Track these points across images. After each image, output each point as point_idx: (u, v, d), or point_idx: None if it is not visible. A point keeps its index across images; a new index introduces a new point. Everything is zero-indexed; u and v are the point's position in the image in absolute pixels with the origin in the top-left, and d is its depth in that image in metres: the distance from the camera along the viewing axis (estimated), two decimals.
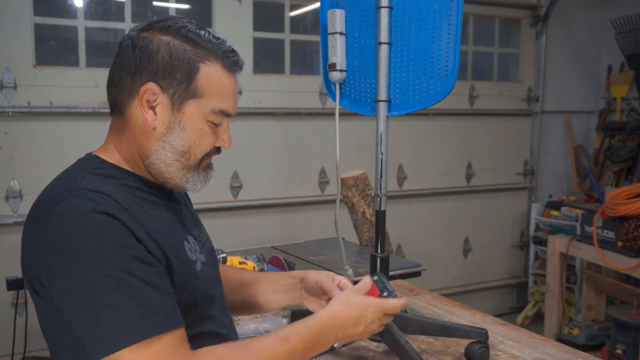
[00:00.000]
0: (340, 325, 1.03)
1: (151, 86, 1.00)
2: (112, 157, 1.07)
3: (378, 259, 1.44)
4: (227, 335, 1.14)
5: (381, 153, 1.43)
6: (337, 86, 1.53)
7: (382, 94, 1.43)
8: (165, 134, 1.02)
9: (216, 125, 1.06)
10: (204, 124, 1.04)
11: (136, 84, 1.01)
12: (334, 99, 1.55)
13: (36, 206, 1.00)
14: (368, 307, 1.06)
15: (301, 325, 1.02)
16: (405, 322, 1.43)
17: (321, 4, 1.56)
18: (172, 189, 1.11)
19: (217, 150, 1.10)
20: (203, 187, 1.10)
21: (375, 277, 1.10)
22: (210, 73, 1.02)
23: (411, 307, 1.79)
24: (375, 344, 1.49)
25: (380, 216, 1.45)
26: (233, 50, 1.07)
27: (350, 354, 1.46)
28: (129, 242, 0.92)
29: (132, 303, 0.88)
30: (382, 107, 1.43)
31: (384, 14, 1.41)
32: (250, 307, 1.30)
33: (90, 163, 1.04)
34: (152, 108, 1.02)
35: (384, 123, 1.43)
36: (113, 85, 1.05)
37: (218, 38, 1.06)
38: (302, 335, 0.99)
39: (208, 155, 1.08)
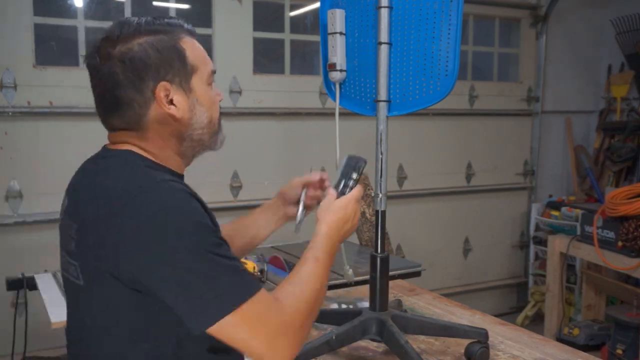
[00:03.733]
0: (337, 228, 1.19)
1: (162, 84, 1.04)
2: (144, 154, 1.08)
3: (378, 259, 1.44)
4: None
5: (381, 153, 1.43)
6: (337, 86, 1.53)
7: (382, 94, 1.42)
8: (191, 117, 1.08)
9: (210, 85, 1.14)
10: (208, 90, 1.12)
11: (147, 92, 1.03)
12: (334, 99, 1.55)
13: (108, 197, 0.98)
14: (347, 205, 1.22)
15: (315, 244, 1.16)
16: (406, 322, 1.43)
17: (321, 3, 1.55)
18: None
19: None
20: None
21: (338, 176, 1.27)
22: (189, 47, 1.08)
23: (411, 307, 1.79)
24: (375, 344, 1.49)
25: (380, 216, 1.45)
26: (182, 21, 1.14)
27: (351, 354, 1.47)
28: (209, 224, 0.98)
29: (225, 274, 0.95)
30: (382, 107, 1.43)
31: (384, 14, 1.40)
32: (255, 243, 1.43)
33: (136, 156, 1.06)
34: (171, 102, 1.06)
35: (384, 123, 1.43)
36: (122, 108, 1.04)
37: (166, 17, 1.11)
38: (323, 249, 1.14)
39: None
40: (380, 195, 1.44)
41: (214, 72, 1.13)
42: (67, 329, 1.13)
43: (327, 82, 1.57)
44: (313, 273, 1.09)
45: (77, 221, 1.02)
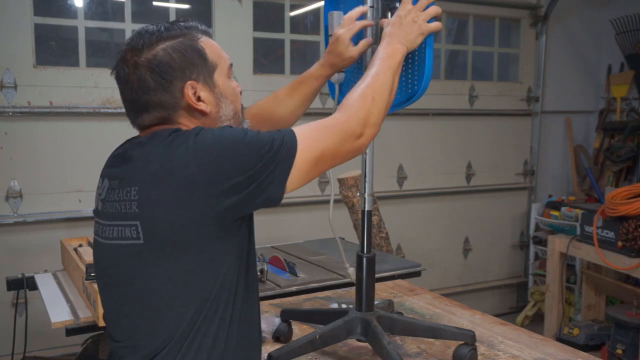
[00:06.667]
0: (390, 34, 1.27)
1: (189, 83, 1.11)
2: None
3: (364, 259, 1.43)
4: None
5: (365, 153, 1.44)
6: (337, 87, 1.53)
7: None
8: (218, 110, 1.16)
9: (230, 78, 1.21)
10: (229, 83, 1.19)
11: (176, 92, 1.11)
12: (334, 98, 1.56)
13: (155, 169, 1.04)
14: (398, 12, 1.30)
15: (380, 48, 1.26)
16: (391, 322, 1.43)
17: (325, 5, 1.57)
18: None
19: None
20: None
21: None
22: (207, 46, 1.15)
23: (411, 307, 1.79)
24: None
25: (365, 216, 1.44)
26: (197, 23, 1.19)
27: (345, 353, 1.47)
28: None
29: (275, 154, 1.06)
30: None
31: (369, 14, 1.41)
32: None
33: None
34: (199, 99, 1.13)
35: None
36: (154, 109, 1.11)
37: (181, 21, 1.17)
38: (382, 51, 1.24)
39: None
40: (366, 195, 1.44)
41: (231, 65, 1.20)
42: (109, 298, 1.14)
43: (329, 83, 1.57)
44: (385, 74, 1.20)
45: (137, 184, 1.05)
